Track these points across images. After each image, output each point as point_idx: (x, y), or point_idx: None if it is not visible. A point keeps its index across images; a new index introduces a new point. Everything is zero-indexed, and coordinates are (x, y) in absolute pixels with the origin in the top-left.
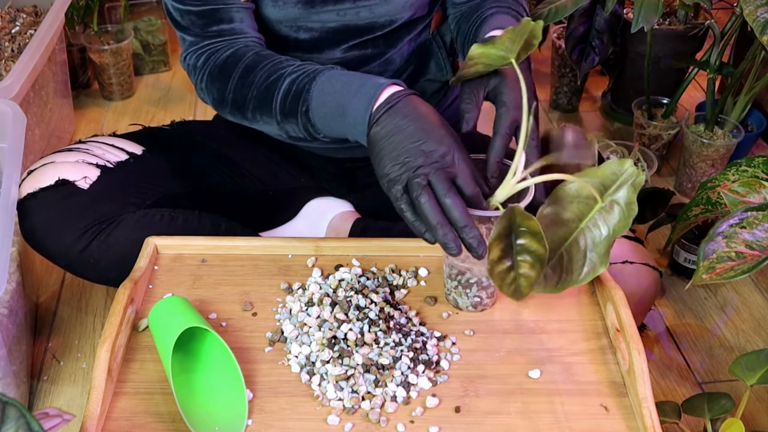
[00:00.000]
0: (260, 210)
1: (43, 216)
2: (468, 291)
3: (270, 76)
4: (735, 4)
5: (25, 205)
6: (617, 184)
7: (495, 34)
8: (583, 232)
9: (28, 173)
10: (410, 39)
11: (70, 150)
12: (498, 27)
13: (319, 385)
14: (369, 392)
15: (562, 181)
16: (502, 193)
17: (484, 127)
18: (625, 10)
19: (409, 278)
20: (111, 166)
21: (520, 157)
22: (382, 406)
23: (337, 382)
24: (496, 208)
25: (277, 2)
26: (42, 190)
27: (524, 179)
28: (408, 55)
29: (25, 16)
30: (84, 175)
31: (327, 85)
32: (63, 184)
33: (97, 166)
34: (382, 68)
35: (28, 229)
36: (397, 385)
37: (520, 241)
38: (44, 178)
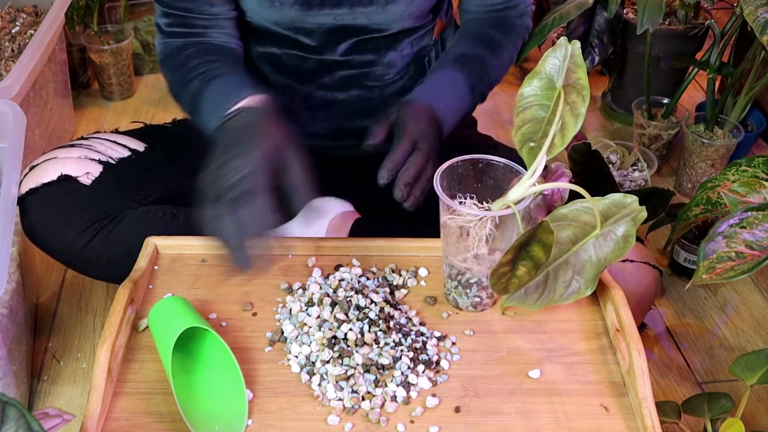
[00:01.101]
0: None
1: (45, 212)
2: (468, 291)
3: (186, 75)
4: (735, 4)
5: (26, 201)
6: (617, 216)
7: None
8: (574, 255)
9: (30, 168)
10: (411, 42)
11: (72, 146)
12: (441, 78)
13: (319, 385)
14: (369, 392)
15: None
16: (516, 193)
17: (485, 127)
18: (625, 11)
19: (409, 278)
20: (113, 162)
21: (540, 162)
22: (382, 406)
23: (337, 382)
24: (508, 207)
25: (274, 3)
26: (44, 185)
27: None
28: (410, 58)
29: (25, 16)
30: (86, 171)
31: (221, 82)
32: (65, 180)
33: (100, 162)
34: (384, 71)
35: (30, 224)
36: (397, 385)
37: (528, 248)
38: (46, 173)
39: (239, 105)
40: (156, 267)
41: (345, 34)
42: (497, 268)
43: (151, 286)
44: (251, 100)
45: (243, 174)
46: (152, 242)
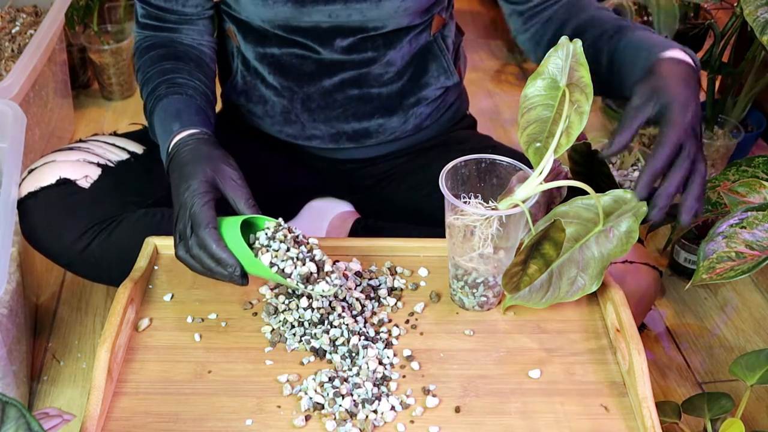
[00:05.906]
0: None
1: (44, 215)
2: (475, 291)
3: (149, 83)
4: (735, 4)
5: (25, 204)
6: (619, 212)
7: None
8: (577, 251)
9: (29, 172)
10: (409, 40)
11: (71, 149)
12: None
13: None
14: (369, 397)
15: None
16: (524, 192)
17: (485, 127)
18: None
19: (408, 278)
20: (112, 165)
21: (548, 160)
22: (381, 404)
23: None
24: (516, 206)
25: (267, 1)
26: (43, 189)
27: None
28: (409, 57)
29: (25, 16)
30: (85, 174)
31: (158, 114)
32: (64, 183)
33: (98, 165)
34: (383, 70)
35: (29, 228)
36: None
37: (539, 247)
38: (45, 177)
39: (175, 140)
40: (156, 267)
41: (342, 33)
42: (510, 268)
43: (151, 286)
44: (184, 134)
45: (189, 215)
46: (152, 242)
